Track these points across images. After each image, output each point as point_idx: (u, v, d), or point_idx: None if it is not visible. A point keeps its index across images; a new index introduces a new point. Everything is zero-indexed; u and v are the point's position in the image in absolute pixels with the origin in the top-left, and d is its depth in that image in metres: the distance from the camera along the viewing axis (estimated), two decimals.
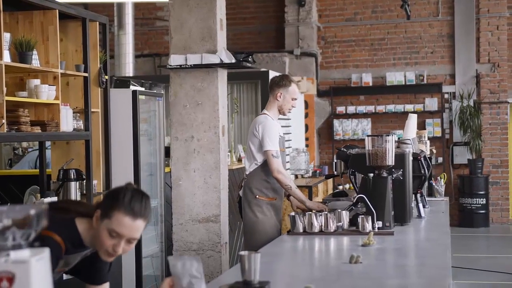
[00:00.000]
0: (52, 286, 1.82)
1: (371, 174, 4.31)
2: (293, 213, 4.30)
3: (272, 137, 5.01)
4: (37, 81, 4.98)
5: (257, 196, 5.08)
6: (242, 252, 2.65)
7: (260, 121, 5.11)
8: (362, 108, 12.45)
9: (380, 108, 12.37)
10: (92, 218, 2.56)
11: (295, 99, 5.21)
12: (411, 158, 4.61)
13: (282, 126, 9.47)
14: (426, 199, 5.55)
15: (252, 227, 5.05)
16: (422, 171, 4.95)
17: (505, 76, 12.15)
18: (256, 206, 5.08)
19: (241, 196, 5.26)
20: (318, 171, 11.06)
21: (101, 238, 2.49)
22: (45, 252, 1.77)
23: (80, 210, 2.63)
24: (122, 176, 6.04)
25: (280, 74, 5.46)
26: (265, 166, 5.05)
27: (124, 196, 2.48)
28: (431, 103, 12.20)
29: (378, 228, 4.14)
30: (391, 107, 12.33)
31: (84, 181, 5.51)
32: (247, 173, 5.19)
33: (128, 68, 9.84)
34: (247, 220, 5.11)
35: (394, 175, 4.36)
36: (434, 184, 6.22)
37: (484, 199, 11.80)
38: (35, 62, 4.93)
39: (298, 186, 8.90)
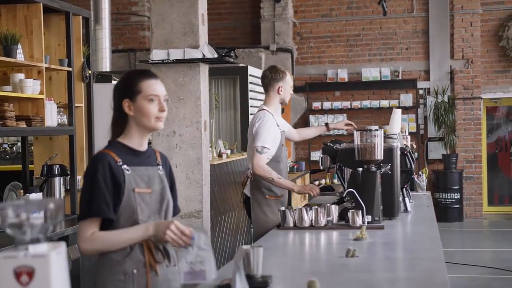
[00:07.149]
0: (69, 279, 1.80)
1: (360, 169, 4.33)
2: (283, 208, 4.30)
3: (265, 133, 4.91)
4: (21, 76, 4.91)
5: (267, 196, 5.00)
6: (245, 246, 2.65)
7: (259, 117, 5.01)
8: (337, 104, 12.50)
9: (356, 104, 12.43)
10: (120, 134, 2.80)
11: (291, 86, 5.22)
12: (399, 152, 4.64)
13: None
14: (410, 193, 5.60)
15: (263, 226, 4.90)
16: (409, 165, 4.99)
17: (479, 72, 12.29)
18: (267, 206, 5.01)
19: (246, 195, 5.15)
20: (295, 166, 11.11)
21: (145, 111, 2.75)
22: (63, 247, 1.75)
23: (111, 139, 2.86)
24: None
25: (269, 67, 5.29)
26: (271, 164, 4.94)
27: (136, 72, 2.82)
28: (406, 99, 12.29)
29: (368, 223, 4.16)
30: (366, 103, 12.39)
31: (68, 176, 5.45)
32: (252, 172, 5.05)
33: (105, 63, 9.72)
34: (258, 220, 5.02)
35: (383, 170, 4.38)
36: (416, 179, 6.27)
37: (458, 194, 11.93)
38: (20, 56, 4.86)
39: None
